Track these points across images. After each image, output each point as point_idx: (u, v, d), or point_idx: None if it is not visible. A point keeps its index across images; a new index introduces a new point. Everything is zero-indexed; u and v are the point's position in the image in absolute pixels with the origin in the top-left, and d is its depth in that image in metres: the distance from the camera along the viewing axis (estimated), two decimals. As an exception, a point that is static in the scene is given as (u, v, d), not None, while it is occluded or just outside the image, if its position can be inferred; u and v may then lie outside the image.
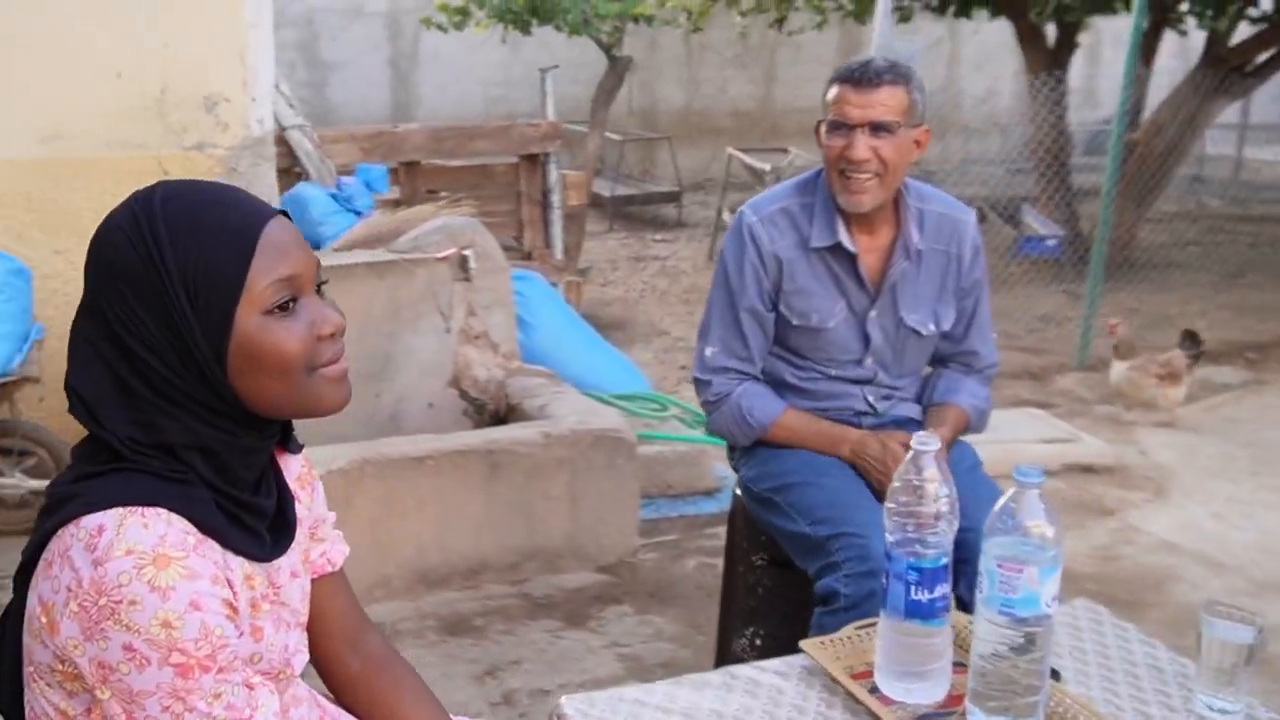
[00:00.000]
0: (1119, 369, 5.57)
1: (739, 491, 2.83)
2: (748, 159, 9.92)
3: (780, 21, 10.33)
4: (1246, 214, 11.08)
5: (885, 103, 2.43)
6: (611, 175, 11.71)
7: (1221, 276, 8.64)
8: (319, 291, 1.33)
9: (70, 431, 3.98)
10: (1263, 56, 8.52)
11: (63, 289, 4.12)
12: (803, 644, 1.90)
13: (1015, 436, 4.93)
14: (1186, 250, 9.28)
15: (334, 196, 5.29)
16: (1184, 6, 8.47)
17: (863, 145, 2.42)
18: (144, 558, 1.18)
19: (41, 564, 1.25)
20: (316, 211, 5.16)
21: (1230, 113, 10.47)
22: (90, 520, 1.22)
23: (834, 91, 2.49)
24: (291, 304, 1.29)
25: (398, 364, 4.19)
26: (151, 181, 1.32)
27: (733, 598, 2.93)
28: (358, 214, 5.19)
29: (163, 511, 1.23)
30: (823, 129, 2.51)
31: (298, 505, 1.46)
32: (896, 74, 2.46)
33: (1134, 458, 5.15)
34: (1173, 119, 8.55)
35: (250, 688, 1.26)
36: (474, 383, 4.31)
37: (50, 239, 4.14)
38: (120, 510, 1.22)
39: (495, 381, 4.32)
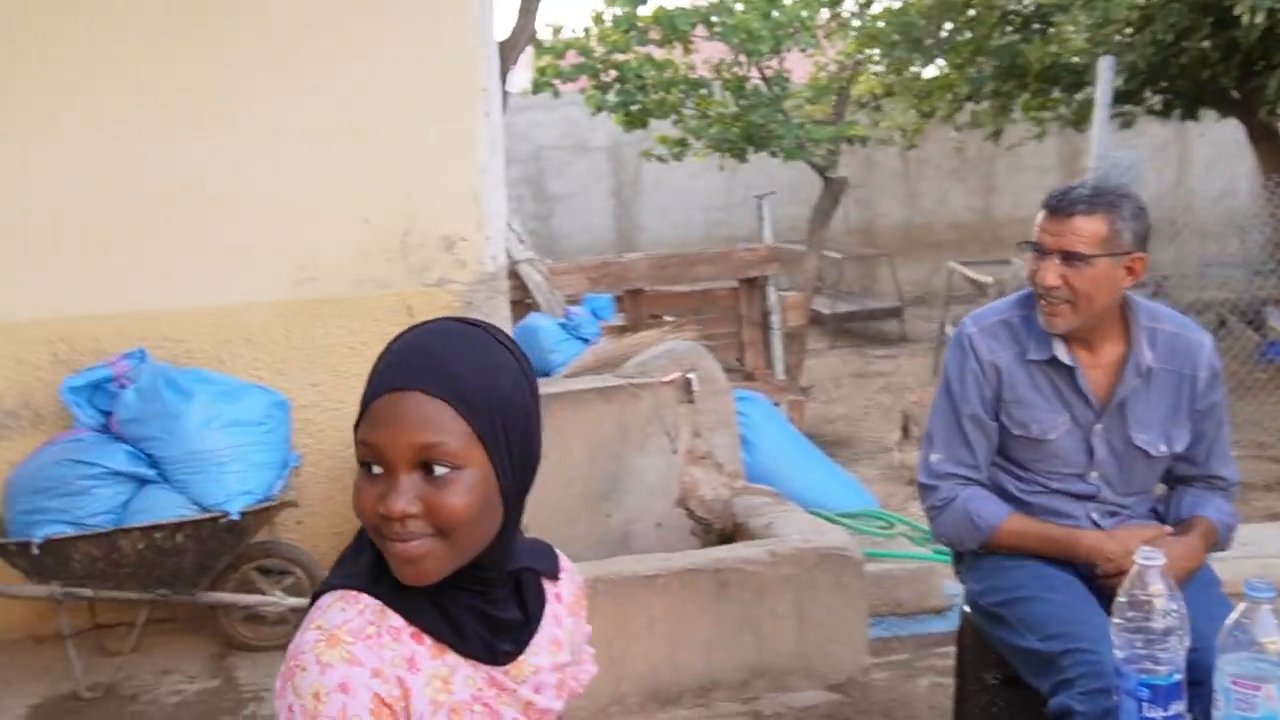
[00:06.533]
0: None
1: (967, 608, 2.80)
2: (969, 272, 9.84)
3: (996, 134, 10.28)
4: None
5: (1079, 232, 2.44)
6: (831, 293, 11.81)
7: None
8: (430, 471, 1.33)
9: (322, 551, 4.24)
10: None
11: (317, 419, 4.42)
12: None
13: (1265, 551, 4.69)
14: None
15: (563, 325, 5.55)
16: None
17: (1052, 272, 2.46)
18: (323, 634, 1.33)
19: None
20: (547, 340, 5.43)
21: None
22: (323, 597, 1.39)
23: (1039, 215, 2.54)
24: (371, 467, 1.35)
25: (627, 485, 4.30)
26: (397, 317, 1.45)
27: (965, 718, 2.89)
28: (586, 341, 5.42)
29: (363, 598, 1.37)
30: (1026, 249, 2.56)
31: (558, 628, 1.54)
32: (1095, 204, 2.45)
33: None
34: None
35: None
36: (700, 502, 4.39)
37: (306, 373, 4.46)
38: (339, 591, 1.38)
39: (721, 501, 4.38)
